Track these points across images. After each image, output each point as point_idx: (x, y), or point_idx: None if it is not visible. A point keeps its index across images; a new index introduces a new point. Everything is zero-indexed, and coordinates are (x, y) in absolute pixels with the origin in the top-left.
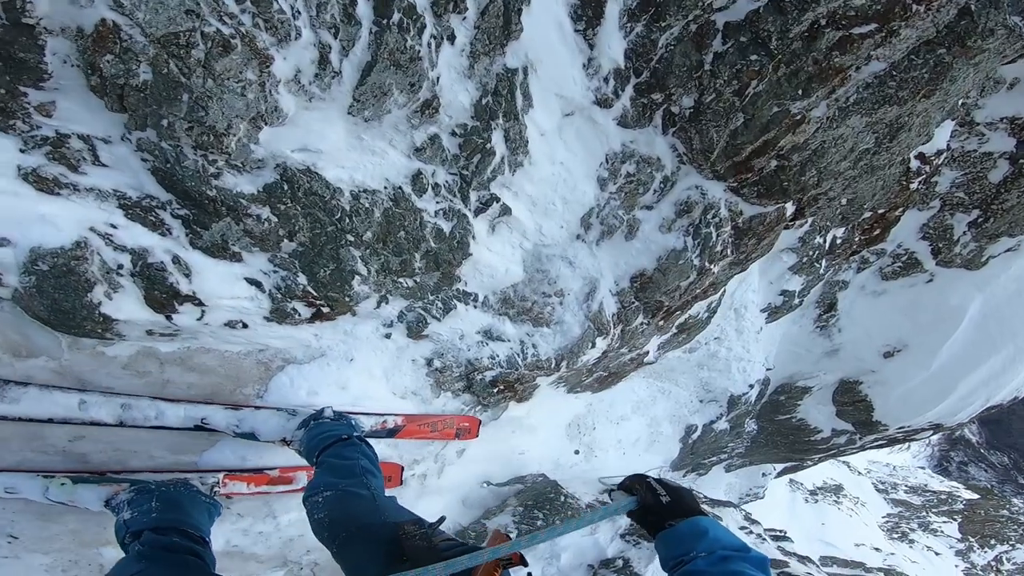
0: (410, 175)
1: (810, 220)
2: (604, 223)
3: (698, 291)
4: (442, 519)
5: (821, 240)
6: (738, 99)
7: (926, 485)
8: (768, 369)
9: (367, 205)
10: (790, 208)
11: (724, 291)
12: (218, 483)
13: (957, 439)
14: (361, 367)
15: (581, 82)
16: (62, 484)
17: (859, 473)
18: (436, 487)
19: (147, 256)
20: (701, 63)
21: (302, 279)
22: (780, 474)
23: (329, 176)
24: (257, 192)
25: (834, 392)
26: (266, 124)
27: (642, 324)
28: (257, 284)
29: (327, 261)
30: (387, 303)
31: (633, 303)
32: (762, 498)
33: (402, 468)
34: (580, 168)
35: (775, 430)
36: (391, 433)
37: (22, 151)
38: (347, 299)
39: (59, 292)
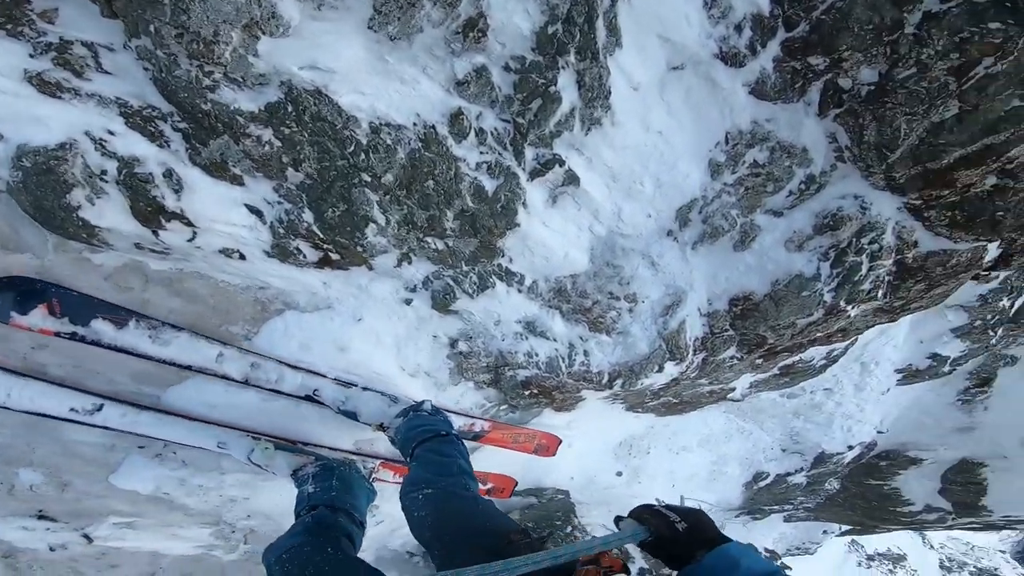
0: (448, 113)
1: (1011, 273)
2: (708, 222)
3: (819, 335)
4: (550, 533)
5: (1008, 303)
6: (955, 81)
7: (996, 570)
8: (879, 432)
9: (389, 142)
10: (992, 250)
11: (855, 340)
12: (375, 468)
13: None
14: (368, 330)
15: (699, 25)
16: (265, 448)
17: (931, 547)
18: None
19: (135, 166)
20: (899, 23)
21: (308, 216)
22: (843, 533)
23: (343, 102)
24: (258, 111)
25: (948, 469)
26: (265, 34)
27: (732, 359)
28: (258, 213)
29: (336, 200)
30: (410, 263)
31: (726, 331)
32: (812, 554)
33: (515, 482)
34: (685, 143)
35: (859, 493)
36: (476, 437)
37: (31, 56)
38: (359, 248)
39: (40, 190)
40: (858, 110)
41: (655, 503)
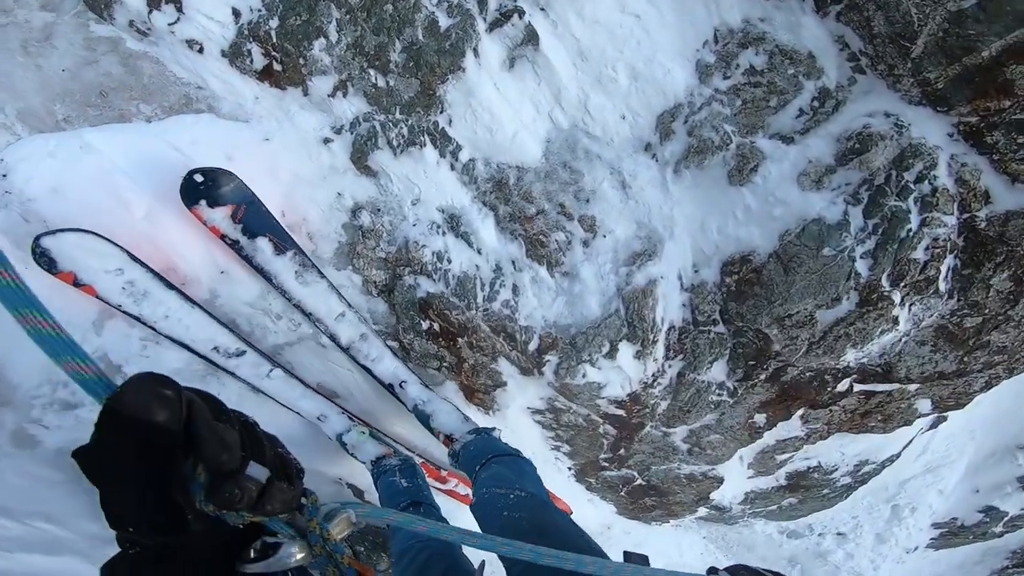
0: None
1: None
2: (695, 134)
3: (845, 359)
4: None
5: None
6: None
7: None
8: None
9: None
10: None
11: (907, 442)
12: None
13: None
14: (270, 153)
15: None
16: (361, 432)
17: None
18: None
19: None
20: None
21: (273, 23)
22: None
23: None
24: None
25: None
26: None
27: (721, 388)
28: (237, 14)
29: (303, 10)
30: (344, 96)
31: (714, 322)
32: None
33: (571, 512)
34: (667, 37)
35: None
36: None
37: None
38: (301, 61)
39: None
40: (859, 2)
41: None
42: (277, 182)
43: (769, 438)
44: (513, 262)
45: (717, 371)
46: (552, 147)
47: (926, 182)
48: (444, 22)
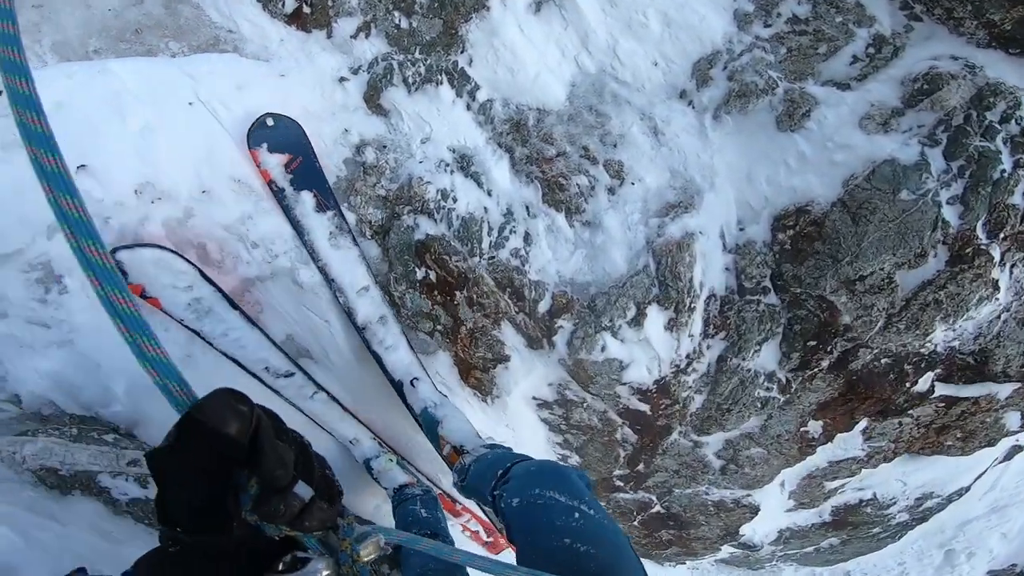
0: None
1: None
2: (736, 78)
3: (933, 338)
4: None
5: None
6: None
7: None
8: None
9: None
10: None
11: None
12: None
13: None
14: (281, 89)
15: None
16: (390, 459)
17: None
18: None
19: None
20: None
21: None
22: None
23: None
24: None
25: None
26: None
27: (771, 380)
28: None
29: None
30: (367, 37)
31: (763, 290)
32: None
33: None
34: None
35: None
36: None
37: None
38: (329, 2)
39: None
40: None
41: None
42: (285, 112)
43: (821, 457)
44: (527, 207)
45: (767, 357)
46: (577, 91)
47: (1012, 122)
48: None
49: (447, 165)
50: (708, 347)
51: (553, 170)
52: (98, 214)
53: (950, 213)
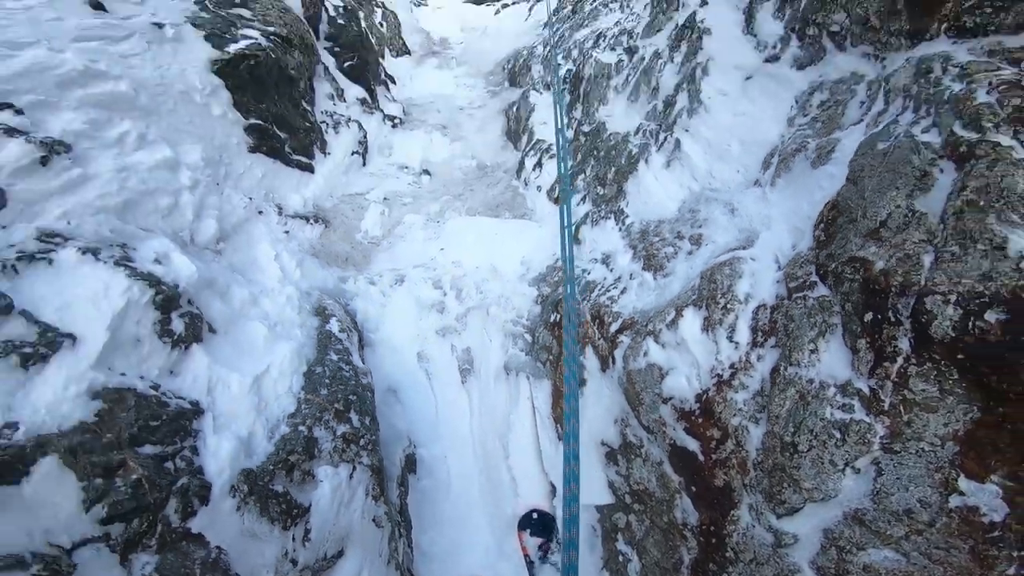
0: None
1: None
2: (782, 153)
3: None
4: None
5: None
6: None
7: None
8: None
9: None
10: None
11: None
12: None
13: None
14: (540, 233)
15: (752, 50)
16: None
17: None
18: None
19: None
20: None
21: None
22: None
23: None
24: None
25: None
26: None
27: (839, 393)
28: None
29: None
30: (582, 202)
31: (810, 282)
32: None
33: None
34: (765, 113)
35: None
36: None
37: None
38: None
39: None
40: (857, 28)
41: None
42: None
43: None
44: (631, 275)
45: (832, 360)
46: (685, 204)
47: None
48: (636, 151)
49: (598, 260)
50: (759, 357)
51: (651, 249)
52: None
53: (928, 137)
